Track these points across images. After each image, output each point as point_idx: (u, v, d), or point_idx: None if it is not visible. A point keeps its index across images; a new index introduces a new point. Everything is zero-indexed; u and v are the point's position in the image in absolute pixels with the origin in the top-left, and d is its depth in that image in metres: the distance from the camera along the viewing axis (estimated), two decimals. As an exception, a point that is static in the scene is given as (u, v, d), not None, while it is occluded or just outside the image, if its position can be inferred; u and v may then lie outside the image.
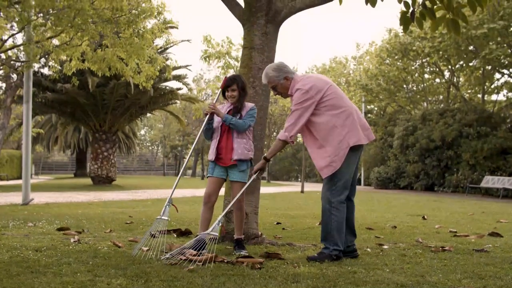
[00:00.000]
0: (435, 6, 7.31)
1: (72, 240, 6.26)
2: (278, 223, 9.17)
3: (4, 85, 24.24)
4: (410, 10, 7.41)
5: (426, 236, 7.55)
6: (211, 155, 5.77)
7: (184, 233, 7.13)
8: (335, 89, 5.40)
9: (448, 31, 7.47)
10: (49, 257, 5.01)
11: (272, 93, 6.09)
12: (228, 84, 5.75)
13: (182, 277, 4.19)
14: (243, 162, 5.66)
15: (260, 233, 6.55)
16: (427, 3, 7.34)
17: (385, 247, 6.28)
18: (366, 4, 7.82)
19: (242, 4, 6.86)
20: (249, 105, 5.80)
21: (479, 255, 5.74)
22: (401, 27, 7.66)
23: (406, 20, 7.48)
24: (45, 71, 26.48)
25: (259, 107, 6.54)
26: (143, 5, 12.78)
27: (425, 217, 10.96)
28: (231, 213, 6.37)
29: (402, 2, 7.56)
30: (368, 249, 6.02)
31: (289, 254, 5.56)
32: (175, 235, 7.06)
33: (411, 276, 4.43)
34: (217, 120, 5.81)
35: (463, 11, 7.48)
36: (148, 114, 44.90)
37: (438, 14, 7.51)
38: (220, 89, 5.89)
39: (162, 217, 5.51)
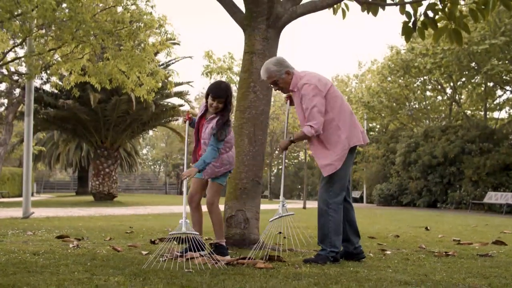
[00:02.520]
0: (437, 16, 7.31)
1: (71, 245, 6.19)
2: (279, 233, 9.07)
3: (6, 101, 24.30)
4: (412, 20, 7.42)
5: (429, 244, 7.45)
6: (192, 160, 5.75)
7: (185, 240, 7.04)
8: (335, 88, 5.38)
9: (450, 42, 7.47)
10: (46, 259, 4.94)
11: (272, 100, 6.07)
12: (217, 95, 5.42)
13: (181, 275, 4.12)
14: (214, 178, 5.56)
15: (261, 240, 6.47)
16: (429, 12, 7.34)
17: (388, 252, 6.19)
18: (368, 13, 7.87)
19: (243, 9, 6.86)
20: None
21: (484, 260, 5.65)
22: (403, 37, 7.72)
23: (408, 30, 7.50)
24: (47, 87, 26.54)
25: (260, 111, 6.51)
26: (145, 17, 12.79)
27: (428, 228, 10.86)
28: (232, 218, 6.32)
29: (404, 13, 7.60)
30: (371, 254, 5.93)
31: (290, 258, 5.48)
32: (176, 242, 6.97)
33: (414, 276, 4.35)
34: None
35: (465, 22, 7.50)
36: (150, 133, 44.99)
37: (440, 24, 7.52)
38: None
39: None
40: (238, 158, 6.40)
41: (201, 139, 5.60)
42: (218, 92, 5.41)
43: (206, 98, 5.52)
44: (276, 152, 44.60)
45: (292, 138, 5.45)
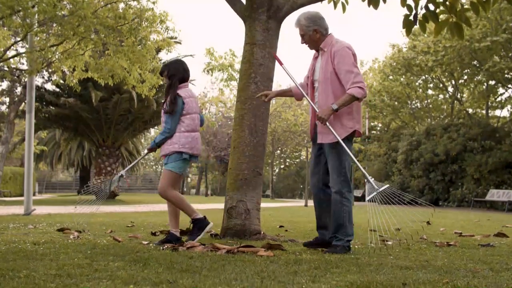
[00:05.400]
0: (438, 10, 7.28)
1: (71, 236, 6.18)
2: (281, 226, 9.06)
3: (8, 99, 24.32)
4: (413, 13, 7.39)
5: (431, 236, 7.43)
6: None
7: (185, 232, 7.03)
8: None
9: (451, 35, 7.43)
10: (47, 249, 4.93)
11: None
12: (160, 71, 5.82)
13: (182, 261, 4.11)
14: (167, 157, 5.60)
15: (262, 231, 6.46)
16: (430, 5, 7.32)
17: (389, 242, 6.18)
18: (369, 6, 7.83)
19: (244, 0, 6.85)
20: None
21: (485, 249, 5.63)
22: (404, 30, 7.68)
23: (409, 23, 7.46)
24: (48, 86, 26.56)
25: (261, 102, 6.47)
26: (146, 13, 12.78)
27: (430, 222, 10.82)
28: (233, 209, 6.30)
29: (405, 6, 7.58)
30: (372, 244, 5.91)
31: (291, 248, 5.46)
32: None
33: (416, 262, 4.33)
34: None
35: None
36: (152, 132, 44.95)
37: (441, 17, 7.49)
38: None
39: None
40: (239, 148, 6.39)
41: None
42: (160, 69, 5.85)
43: None
44: (278, 151, 44.55)
45: (336, 107, 4.97)
